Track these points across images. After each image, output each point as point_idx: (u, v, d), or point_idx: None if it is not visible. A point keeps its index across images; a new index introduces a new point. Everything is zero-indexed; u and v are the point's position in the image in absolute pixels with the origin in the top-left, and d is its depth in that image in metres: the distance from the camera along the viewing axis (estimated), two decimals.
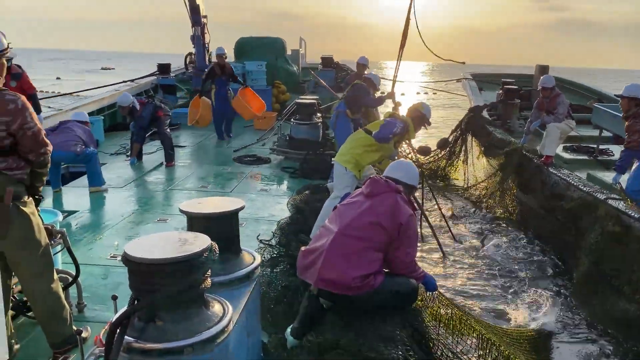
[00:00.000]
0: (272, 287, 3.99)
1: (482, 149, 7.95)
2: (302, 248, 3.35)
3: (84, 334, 3.24)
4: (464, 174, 8.19)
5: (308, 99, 10.07)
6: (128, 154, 8.75)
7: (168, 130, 8.68)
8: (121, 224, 5.65)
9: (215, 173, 8.07)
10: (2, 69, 2.85)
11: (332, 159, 5.27)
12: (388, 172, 3.55)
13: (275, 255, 4.66)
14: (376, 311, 3.02)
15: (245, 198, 6.11)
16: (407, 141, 6.13)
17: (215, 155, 9.31)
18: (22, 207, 2.82)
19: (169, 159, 8.42)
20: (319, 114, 9.44)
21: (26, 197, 2.87)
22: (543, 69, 11.58)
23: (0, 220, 2.72)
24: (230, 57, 15.82)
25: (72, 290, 3.65)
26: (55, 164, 6.17)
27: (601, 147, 8.50)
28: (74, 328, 3.14)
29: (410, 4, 6.34)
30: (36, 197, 2.99)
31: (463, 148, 8.54)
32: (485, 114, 9.70)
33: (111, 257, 4.71)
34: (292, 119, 9.85)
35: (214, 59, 14.37)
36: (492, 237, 6.72)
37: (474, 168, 8.36)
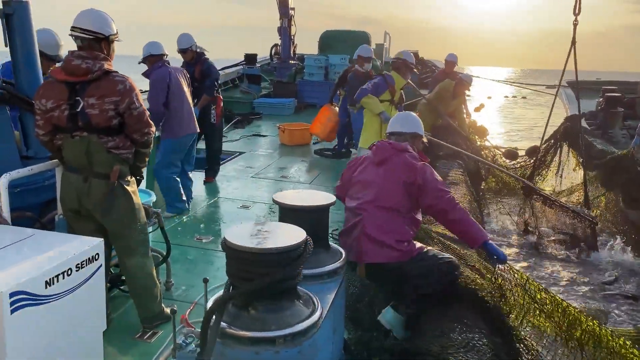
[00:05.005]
0: (352, 284, 3.94)
1: (580, 160, 7.44)
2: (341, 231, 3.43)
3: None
4: (554, 186, 7.68)
5: None
6: None
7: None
8: (206, 209, 5.83)
9: (295, 164, 8.15)
10: (112, 53, 2.98)
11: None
12: (389, 128, 3.57)
13: None
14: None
15: (323, 190, 6.09)
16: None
17: (296, 146, 9.39)
18: (125, 186, 2.95)
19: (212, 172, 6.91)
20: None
21: (129, 176, 3.00)
22: None
23: (107, 197, 2.86)
24: (314, 49, 15.91)
25: (161, 268, 3.79)
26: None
27: None
28: (163, 307, 3.26)
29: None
30: (137, 177, 3.12)
31: (555, 159, 8.02)
32: (584, 123, 9.07)
33: (197, 239, 4.85)
34: None
35: (299, 51, 14.54)
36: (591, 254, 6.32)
37: (570, 181, 7.82)
